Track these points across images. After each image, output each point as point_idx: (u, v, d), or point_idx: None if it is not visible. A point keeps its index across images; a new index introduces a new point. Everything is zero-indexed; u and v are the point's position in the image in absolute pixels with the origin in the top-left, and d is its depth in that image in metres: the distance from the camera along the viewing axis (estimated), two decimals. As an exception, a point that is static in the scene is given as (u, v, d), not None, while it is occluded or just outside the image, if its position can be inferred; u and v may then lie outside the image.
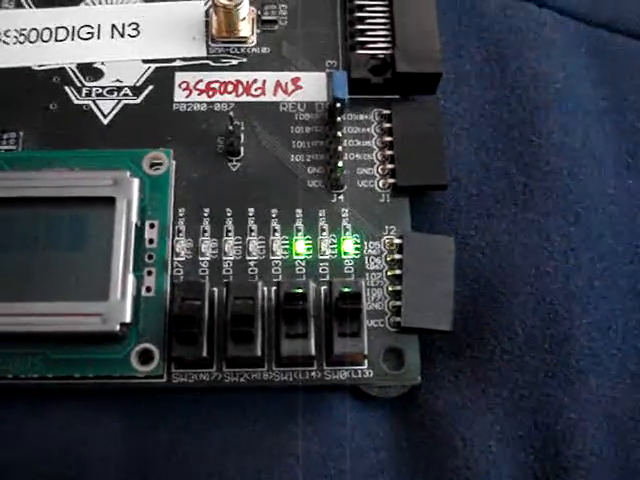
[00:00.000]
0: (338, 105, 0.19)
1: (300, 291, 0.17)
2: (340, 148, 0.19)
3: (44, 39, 0.21)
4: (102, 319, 0.16)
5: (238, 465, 0.17)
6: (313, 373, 0.17)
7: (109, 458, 0.17)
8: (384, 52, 0.20)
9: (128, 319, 0.17)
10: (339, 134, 0.19)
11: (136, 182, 0.18)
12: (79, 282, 0.17)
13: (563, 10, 0.22)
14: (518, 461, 0.18)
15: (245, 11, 0.20)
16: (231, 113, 0.19)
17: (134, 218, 0.17)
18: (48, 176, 0.18)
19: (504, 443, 0.18)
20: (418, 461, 0.18)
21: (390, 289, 0.18)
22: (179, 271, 0.18)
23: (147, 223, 0.18)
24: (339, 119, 0.19)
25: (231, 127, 0.19)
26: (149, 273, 0.17)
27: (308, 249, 0.18)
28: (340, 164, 0.18)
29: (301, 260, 0.18)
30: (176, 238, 0.18)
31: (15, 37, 0.21)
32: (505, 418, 0.18)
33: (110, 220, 0.17)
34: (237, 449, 0.17)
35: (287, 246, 0.18)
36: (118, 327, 0.17)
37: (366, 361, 0.17)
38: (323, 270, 0.18)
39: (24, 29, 0.21)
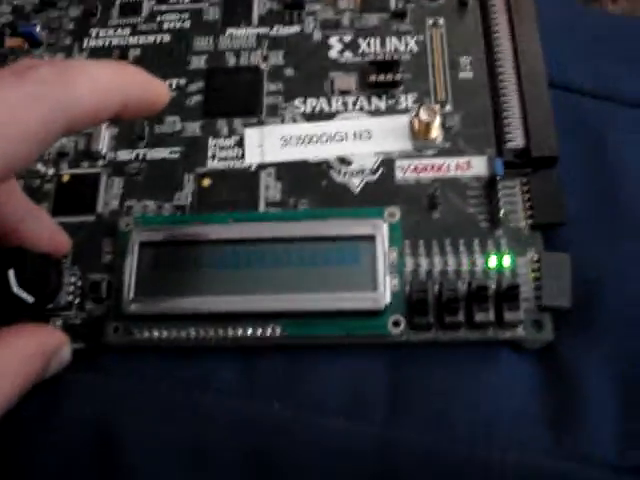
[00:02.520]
0: (498, 178, 0.32)
1: (485, 284, 0.29)
2: (499, 203, 0.32)
3: (314, 142, 0.35)
4: (375, 301, 0.30)
5: (457, 383, 0.29)
6: (490, 333, 0.30)
7: (379, 381, 0.30)
8: (522, 143, 0.33)
9: (388, 301, 0.30)
10: (498, 195, 0.32)
11: (385, 226, 0.31)
12: (357, 281, 0.30)
13: (638, 105, 0.34)
14: (618, 390, 0.29)
15: (436, 123, 0.33)
16: (435, 186, 0.32)
17: (385, 246, 0.31)
18: (332, 222, 0.32)
19: (604, 375, 0.29)
20: (552, 390, 0.30)
21: (532, 285, 0.31)
22: (409, 276, 0.31)
23: (391, 249, 0.31)
24: (498, 186, 0.32)
25: (433, 192, 0.32)
26: (394, 277, 0.31)
27: (481, 262, 0.31)
28: (501, 213, 0.31)
29: (479, 269, 0.31)
30: (406, 258, 0.31)
31: (295, 141, 0.35)
32: (603, 360, 0.29)
33: (373, 247, 0.31)
34: (447, 377, 0.30)
35: (468, 262, 0.31)
36: (383, 305, 0.30)
37: (522, 326, 0.30)
38: (492, 274, 0.31)
39: (300, 136, 0.35)
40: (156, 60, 0.36)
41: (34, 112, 0.22)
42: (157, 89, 0.26)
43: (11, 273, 0.28)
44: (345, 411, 0.29)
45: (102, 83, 0.24)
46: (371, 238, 0.30)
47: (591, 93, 0.35)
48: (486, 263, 0.31)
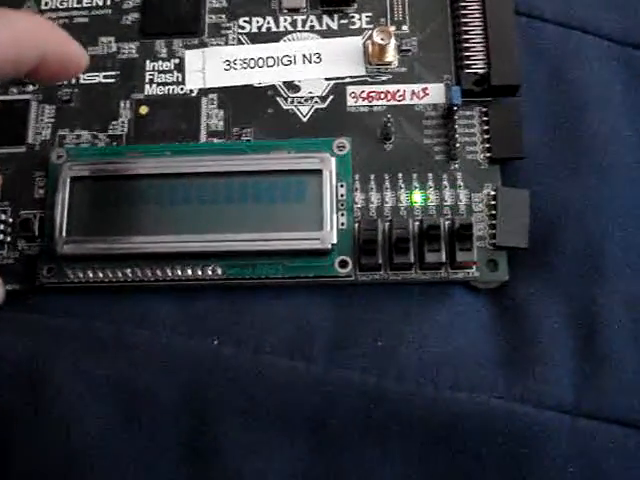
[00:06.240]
0: (455, 108, 0.29)
1: (436, 223, 0.28)
2: (456, 135, 0.30)
3: (259, 65, 0.32)
4: (320, 241, 0.28)
5: (406, 322, 0.28)
6: (443, 274, 0.29)
7: (324, 320, 0.28)
8: (482, 70, 0.30)
9: (335, 241, 0.28)
10: (455, 126, 0.30)
11: (333, 160, 0.29)
12: (303, 220, 0.28)
13: (602, 34, 0.32)
14: (573, 332, 0.28)
15: (392, 46, 0.31)
16: (388, 115, 0.30)
17: (333, 182, 0.29)
18: (277, 156, 0.30)
19: (560, 316, 0.28)
20: (506, 331, 0.29)
21: (489, 222, 0.29)
22: (358, 213, 0.29)
23: (339, 184, 0.29)
24: (455, 116, 0.30)
25: (386, 121, 0.30)
26: (342, 214, 0.29)
27: (436, 198, 0.29)
28: (457, 145, 0.29)
29: (433, 205, 0.29)
30: (355, 193, 0.30)
31: (240, 65, 0.32)
32: (559, 301, 0.28)
33: (320, 183, 0.29)
34: (397, 316, 0.28)
35: (423, 197, 0.30)
36: (329, 246, 0.28)
37: (475, 266, 0.29)
38: (446, 210, 0.29)
39: (245, 59, 0.32)
40: (89, -27, 0.33)
41: None
42: (76, 51, 0.25)
43: None
44: (287, 350, 0.28)
45: (22, 32, 0.23)
46: (318, 172, 0.28)
47: (555, 21, 0.33)
48: (438, 199, 0.29)
